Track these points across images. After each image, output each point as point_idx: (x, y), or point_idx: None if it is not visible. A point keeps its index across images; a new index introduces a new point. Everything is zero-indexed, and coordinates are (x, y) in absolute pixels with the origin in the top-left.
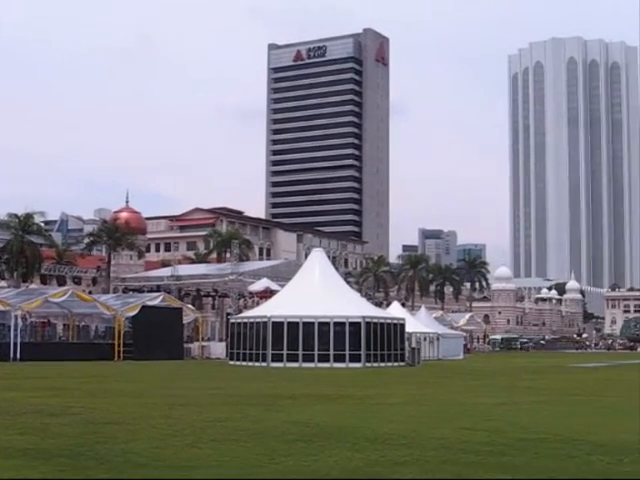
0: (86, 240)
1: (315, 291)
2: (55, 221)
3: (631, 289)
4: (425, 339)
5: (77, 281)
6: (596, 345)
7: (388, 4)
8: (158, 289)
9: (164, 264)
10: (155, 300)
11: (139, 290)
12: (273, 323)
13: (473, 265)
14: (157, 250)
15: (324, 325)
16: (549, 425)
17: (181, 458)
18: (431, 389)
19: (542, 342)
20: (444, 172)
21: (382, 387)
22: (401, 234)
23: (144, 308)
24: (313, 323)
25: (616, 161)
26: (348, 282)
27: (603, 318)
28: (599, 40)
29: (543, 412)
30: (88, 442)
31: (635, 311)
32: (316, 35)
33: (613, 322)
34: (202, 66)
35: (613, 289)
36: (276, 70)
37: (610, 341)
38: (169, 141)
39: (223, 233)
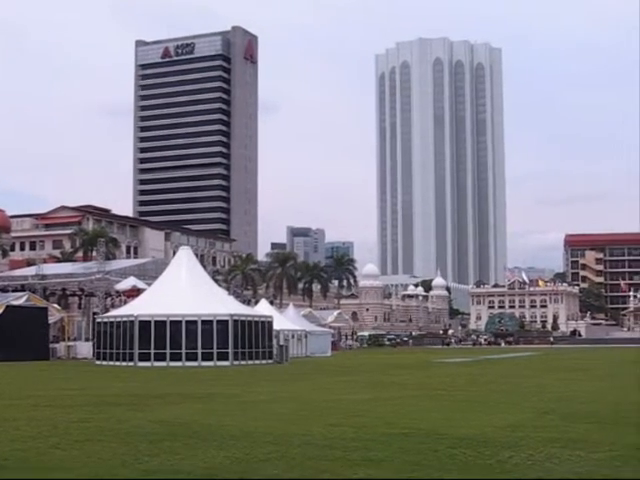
0: None
1: (182, 289)
2: None
3: (495, 285)
4: (293, 336)
5: None
6: (462, 341)
7: (257, 2)
8: (23, 288)
9: (29, 263)
10: (20, 300)
11: (3, 290)
12: (140, 322)
13: (341, 263)
14: (22, 249)
15: (191, 324)
16: (414, 420)
17: (44, 460)
18: (298, 386)
19: (405, 339)
20: (313, 170)
21: (249, 385)
22: (270, 232)
23: (8, 308)
24: (180, 322)
25: (480, 160)
26: (216, 280)
27: (468, 314)
28: (464, 41)
29: (408, 407)
30: None
31: (499, 307)
32: (185, 32)
33: (478, 318)
34: (68, 61)
35: (478, 286)
36: (144, 67)
37: (475, 336)
38: (36, 138)
39: (89, 231)
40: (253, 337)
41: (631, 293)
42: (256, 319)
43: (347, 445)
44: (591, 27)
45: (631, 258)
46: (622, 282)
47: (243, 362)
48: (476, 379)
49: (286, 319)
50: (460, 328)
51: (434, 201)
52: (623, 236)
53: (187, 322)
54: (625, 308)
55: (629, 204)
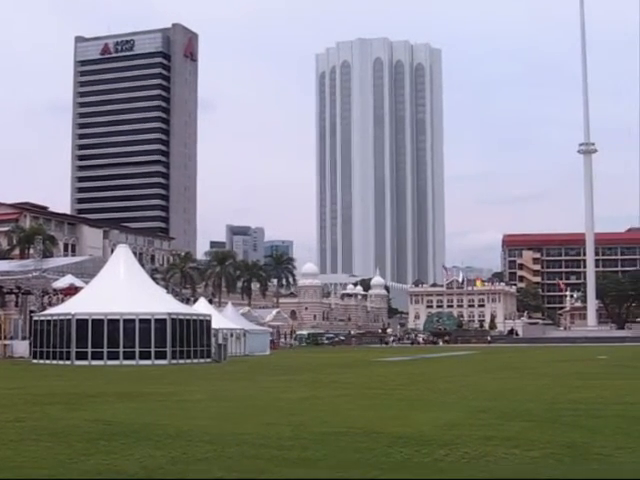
0: None
1: (120, 288)
2: None
3: (434, 285)
4: (232, 335)
5: None
6: (400, 339)
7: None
8: None
9: None
10: None
11: None
12: (77, 320)
13: (280, 261)
14: None
15: (129, 322)
16: (351, 418)
17: None
18: (236, 385)
19: (342, 338)
20: (253, 169)
21: (187, 384)
22: (209, 231)
23: None
24: (118, 320)
25: (420, 159)
26: (155, 278)
27: (407, 313)
28: (405, 41)
29: (346, 406)
30: None
31: (437, 306)
32: (125, 29)
33: (417, 317)
34: (6, 57)
35: (417, 285)
36: (83, 63)
37: (414, 335)
38: None
39: (26, 229)
40: (191, 336)
41: (568, 293)
42: (194, 318)
43: (284, 444)
44: (530, 29)
45: (567, 258)
46: (560, 282)
47: (181, 361)
48: (414, 378)
49: (225, 318)
50: (399, 327)
51: (373, 200)
52: (560, 236)
53: (125, 321)
54: (562, 308)
55: (566, 204)
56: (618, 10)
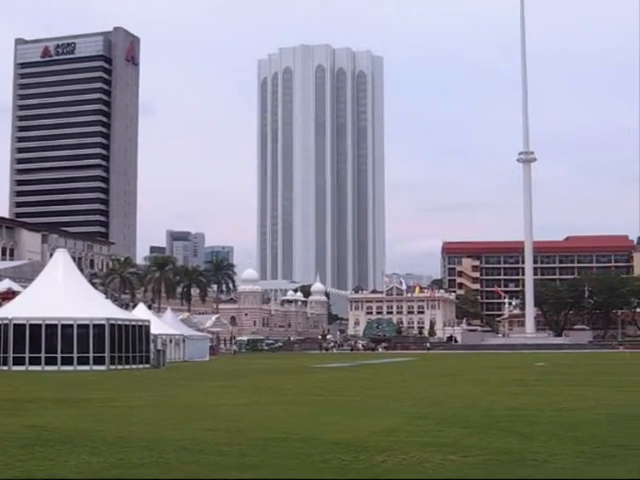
0: None
1: (59, 293)
2: None
3: (374, 291)
4: (171, 341)
5: None
6: (340, 346)
7: (139, 3)
8: None
9: None
10: None
11: None
12: (14, 325)
13: (220, 267)
14: None
15: (67, 327)
16: (289, 424)
17: None
18: (175, 391)
19: (280, 345)
20: (194, 174)
21: (125, 390)
22: (149, 236)
23: None
24: (56, 325)
25: (361, 167)
26: (93, 284)
27: (347, 319)
28: (347, 48)
29: (284, 412)
30: None
31: (377, 313)
32: (66, 32)
33: (357, 323)
34: None
35: (356, 291)
36: (23, 66)
37: (354, 342)
38: None
39: None
40: (130, 341)
41: (506, 300)
42: (133, 323)
43: (221, 450)
44: (471, 37)
45: (506, 266)
46: (498, 288)
47: (120, 367)
48: (353, 384)
49: (164, 323)
50: (339, 333)
51: (314, 207)
52: (499, 244)
53: (63, 326)
54: (500, 315)
55: (506, 212)
56: (557, 21)
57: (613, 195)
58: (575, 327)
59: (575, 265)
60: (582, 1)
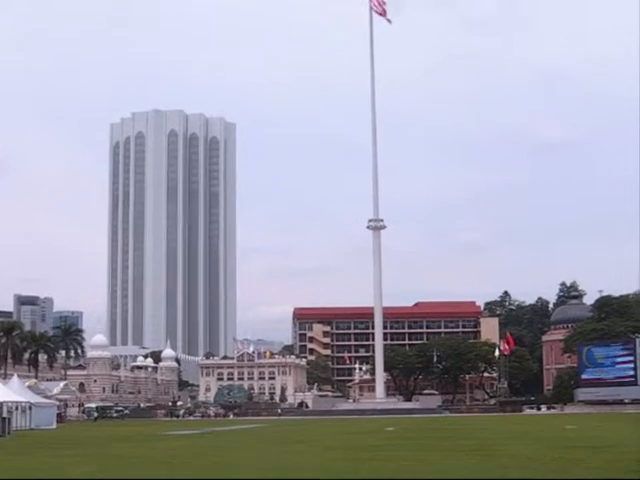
0: None
1: None
2: None
3: (225, 357)
4: (17, 408)
5: None
6: (191, 413)
7: None
8: None
9: None
10: None
11: None
12: None
13: (68, 332)
14: None
15: None
16: None
17: None
18: (17, 461)
19: (126, 412)
20: (43, 237)
21: None
22: None
23: None
24: None
25: (212, 232)
26: None
27: (198, 386)
28: (200, 114)
29: None
30: None
31: (228, 379)
32: None
33: (207, 389)
34: None
35: (207, 357)
36: None
37: (205, 408)
38: None
39: None
40: None
41: (356, 365)
42: None
43: None
44: (321, 105)
45: (357, 331)
46: (346, 355)
47: None
48: (201, 452)
49: (10, 390)
50: (190, 400)
51: (165, 272)
52: (349, 310)
53: None
54: (351, 380)
55: (356, 278)
56: (406, 87)
57: (461, 261)
58: (425, 392)
59: (424, 330)
60: (430, 78)
